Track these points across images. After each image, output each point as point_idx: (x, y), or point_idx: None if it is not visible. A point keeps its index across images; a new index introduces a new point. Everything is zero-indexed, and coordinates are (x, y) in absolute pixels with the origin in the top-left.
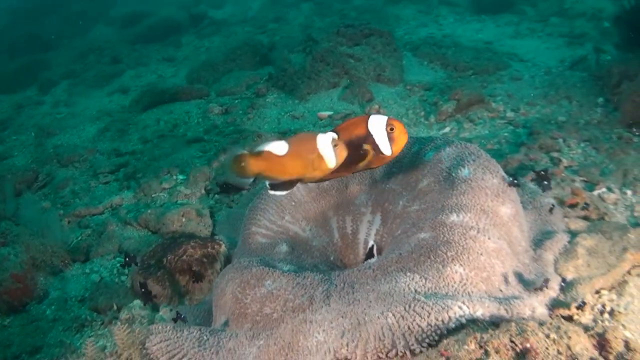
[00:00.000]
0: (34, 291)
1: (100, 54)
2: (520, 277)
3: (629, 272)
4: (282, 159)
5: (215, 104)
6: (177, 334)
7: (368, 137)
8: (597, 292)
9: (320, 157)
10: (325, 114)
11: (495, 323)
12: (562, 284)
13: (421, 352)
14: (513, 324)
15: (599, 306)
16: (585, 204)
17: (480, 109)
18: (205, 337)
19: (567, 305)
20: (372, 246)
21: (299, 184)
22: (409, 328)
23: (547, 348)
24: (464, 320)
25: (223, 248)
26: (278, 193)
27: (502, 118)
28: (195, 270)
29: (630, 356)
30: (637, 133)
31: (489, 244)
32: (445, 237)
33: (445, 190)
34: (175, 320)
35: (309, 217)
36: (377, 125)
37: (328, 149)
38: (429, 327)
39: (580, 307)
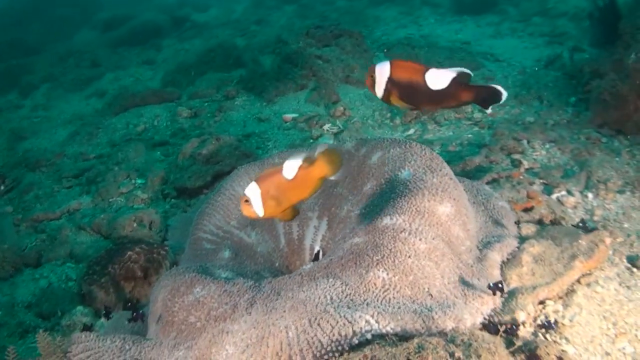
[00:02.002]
0: None
1: (79, 57)
2: (460, 279)
3: (578, 281)
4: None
5: (184, 107)
6: (99, 344)
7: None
8: (542, 302)
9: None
10: (289, 116)
11: (407, 338)
12: (500, 286)
13: None
14: (415, 340)
15: (542, 318)
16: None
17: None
18: (127, 347)
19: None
20: (318, 252)
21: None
22: (308, 343)
23: None
24: (369, 336)
25: (169, 254)
26: None
27: (469, 119)
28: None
29: None
30: (606, 134)
31: (420, 245)
32: (375, 241)
33: (385, 193)
34: (131, 319)
35: (255, 222)
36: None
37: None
38: (330, 342)
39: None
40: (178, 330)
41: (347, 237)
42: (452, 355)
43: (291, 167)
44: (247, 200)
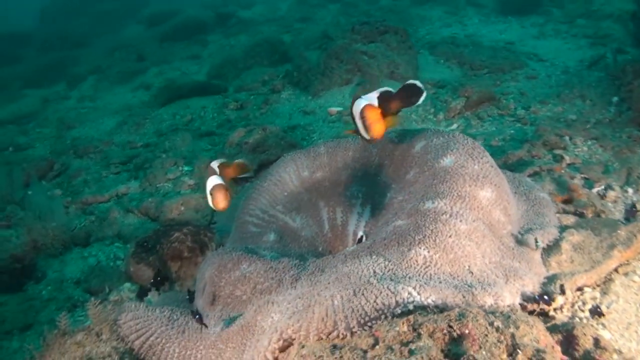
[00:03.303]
0: (33, 272)
1: (126, 51)
2: (501, 260)
3: (616, 270)
4: None
5: (231, 100)
6: (148, 313)
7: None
8: (580, 289)
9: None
10: (334, 109)
11: (447, 310)
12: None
13: None
14: (456, 309)
15: (580, 304)
16: None
17: (491, 106)
18: (175, 317)
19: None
20: (361, 237)
21: (292, 174)
22: (353, 311)
23: (486, 335)
24: (411, 307)
25: (215, 236)
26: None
27: (511, 116)
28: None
29: (599, 354)
30: None
31: (461, 226)
32: (417, 222)
33: (427, 179)
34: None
35: (300, 207)
36: (356, 109)
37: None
38: (374, 311)
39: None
40: (224, 303)
41: (390, 221)
42: (491, 324)
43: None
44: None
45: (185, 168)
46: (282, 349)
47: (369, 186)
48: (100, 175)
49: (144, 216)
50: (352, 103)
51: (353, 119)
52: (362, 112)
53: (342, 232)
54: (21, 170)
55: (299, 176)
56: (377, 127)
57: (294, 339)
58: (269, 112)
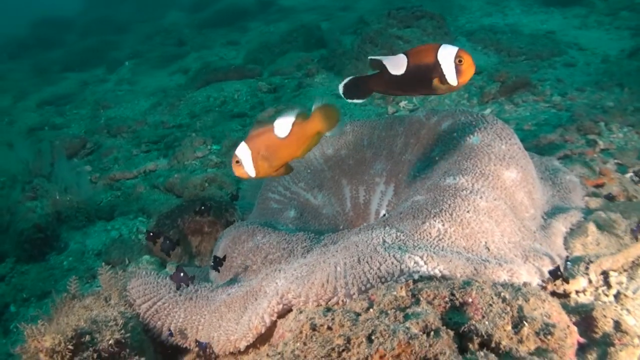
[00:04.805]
0: (55, 242)
1: (166, 36)
2: (521, 241)
3: None
4: None
5: (264, 83)
6: (158, 280)
7: (436, 66)
8: (605, 272)
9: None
10: None
11: None
12: (567, 257)
13: None
14: (461, 278)
15: (604, 287)
16: None
17: (526, 92)
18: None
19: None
20: (384, 216)
21: (316, 152)
22: (354, 277)
23: (490, 305)
24: (416, 277)
25: (237, 212)
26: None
27: (547, 102)
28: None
29: (619, 337)
30: None
31: (480, 202)
32: (435, 197)
33: (451, 156)
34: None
35: (322, 185)
36: (446, 55)
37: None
38: (376, 278)
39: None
40: (235, 273)
41: (410, 197)
42: (498, 294)
43: (284, 124)
44: (237, 161)
45: (214, 147)
46: (282, 315)
47: (394, 165)
48: (130, 154)
49: (169, 192)
50: (420, 52)
51: (431, 66)
52: (458, 54)
53: (365, 210)
54: (51, 146)
55: (323, 154)
56: (471, 71)
57: (294, 305)
58: (302, 95)
